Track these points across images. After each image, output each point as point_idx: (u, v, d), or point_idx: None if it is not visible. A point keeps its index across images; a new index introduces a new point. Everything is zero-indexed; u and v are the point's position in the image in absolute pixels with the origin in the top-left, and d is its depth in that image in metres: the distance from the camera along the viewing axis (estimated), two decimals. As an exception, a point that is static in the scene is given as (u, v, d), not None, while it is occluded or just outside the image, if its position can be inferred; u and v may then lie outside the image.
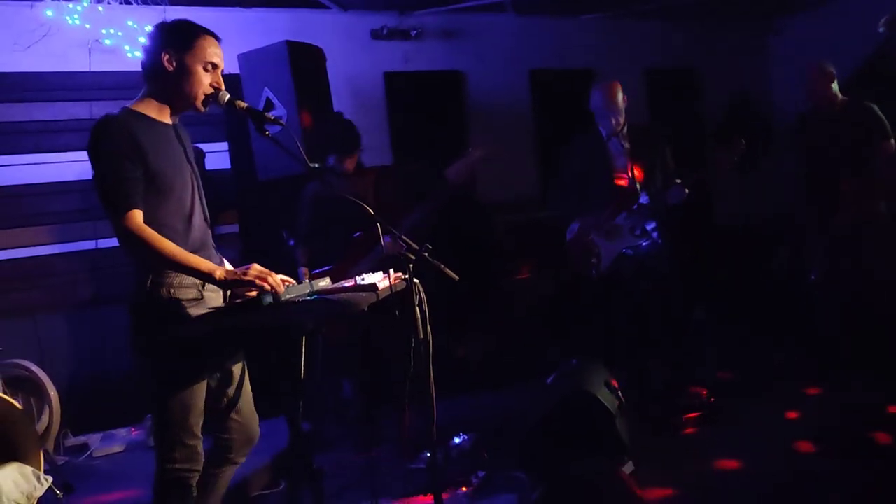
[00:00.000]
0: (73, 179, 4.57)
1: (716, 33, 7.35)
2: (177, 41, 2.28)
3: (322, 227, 4.13)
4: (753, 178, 7.27)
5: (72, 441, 4.30)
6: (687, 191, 3.97)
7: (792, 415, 3.83)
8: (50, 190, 4.59)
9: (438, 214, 3.95)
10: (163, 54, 2.27)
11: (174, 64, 2.27)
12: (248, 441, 2.53)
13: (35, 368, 4.10)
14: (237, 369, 2.50)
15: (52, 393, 4.09)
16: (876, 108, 4.26)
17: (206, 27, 2.34)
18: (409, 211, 3.89)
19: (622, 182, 4.17)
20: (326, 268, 3.99)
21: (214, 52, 2.31)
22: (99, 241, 4.62)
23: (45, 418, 4.05)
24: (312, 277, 3.17)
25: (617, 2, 6.30)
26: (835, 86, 4.36)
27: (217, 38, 2.35)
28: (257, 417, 2.57)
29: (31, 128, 4.57)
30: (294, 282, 2.30)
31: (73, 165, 4.52)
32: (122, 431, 4.45)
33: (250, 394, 2.56)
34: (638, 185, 4.11)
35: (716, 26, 7.31)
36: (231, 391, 2.46)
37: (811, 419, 3.74)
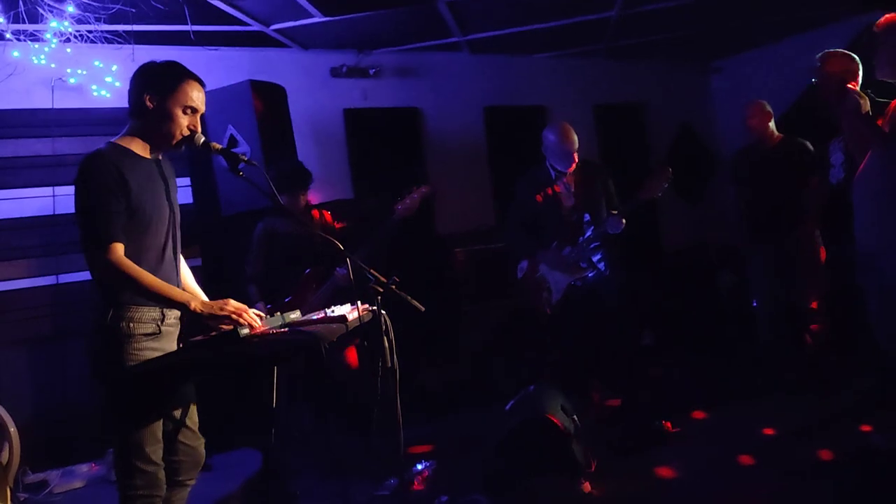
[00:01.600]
0: (34, 215, 4.58)
1: (661, 71, 7.70)
2: (160, 83, 2.39)
3: (275, 263, 4.26)
4: (698, 207, 7.65)
5: (31, 478, 4.25)
6: (624, 221, 4.15)
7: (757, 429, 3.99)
8: (11, 226, 4.58)
9: (390, 246, 4.12)
10: (145, 94, 2.37)
11: (154, 104, 2.38)
12: (196, 463, 2.59)
13: (-6, 404, 4.07)
14: (186, 394, 2.58)
15: (12, 429, 4.05)
16: (808, 143, 4.55)
17: (192, 71, 2.46)
18: (358, 243, 4.05)
19: (570, 218, 4.38)
20: (287, 299, 4.11)
21: (195, 97, 2.43)
22: (60, 276, 4.63)
23: (4, 455, 4.01)
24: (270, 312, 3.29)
25: (566, 42, 6.57)
26: (772, 123, 4.65)
27: (201, 83, 2.47)
28: (203, 440, 2.63)
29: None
30: (263, 315, 2.41)
31: (35, 201, 4.54)
32: (82, 467, 4.40)
33: (196, 418, 2.62)
34: (583, 219, 4.32)
35: (661, 64, 7.67)
36: (179, 415, 2.53)
37: (756, 437, 3.92)
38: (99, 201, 2.26)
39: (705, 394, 4.75)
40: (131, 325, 2.32)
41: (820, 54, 3.58)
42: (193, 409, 2.60)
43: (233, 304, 2.31)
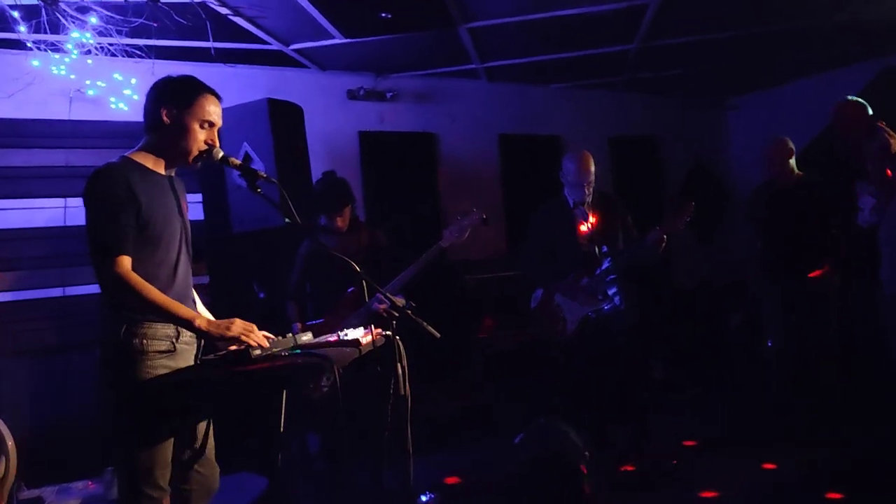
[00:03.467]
0: (42, 226, 4.53)
1: (677, 105, 7.71)
2: (177, 97, 2.36)
3: (315, 282, 4.18)
4: (711, 245, 7.58)
5: (26, 494, 4.15)
6: (665, 236, 3.99)
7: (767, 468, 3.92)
8: (19, 235, 4.53)
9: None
10: (162, 109, 2.34)
11: (171, 119, 2.34)
12: (208, 493, 2.53)
13: (-7, 417, 4.00)
14: (203, 421, 2.52)
15: (10, 443, 3.96)
16: (828, 182, 4.48)
17: (209, 85, 2.42)
18: (400, 266, 3.95)
19: (587, 248, 4.31)
20: (319, 321, 4.04)
21: (212, 111, 2.40)
22: (66, 288, 4.57)
23: (0, 468, 3.93)
24: (306, 330, 3.21)
25: (584, 73, 6.56)
26: (792, 161, 4.58)
27: (218, 97, 2.43)
28: (218, 469, 2.57)
29: (3, 173, 4.52)
30: (273, 336, 2.34)
31: (44, 212, 4.50)
32: (78, 484, 4.31)
33: (213, 445, 2.57)
34: (601, 251, 4.25)
35: (678, 99, 7.67)
36: (196, 443, 2.48)
37: (766, 478, 3.84)
38: (107, 213, 2.22)
39: (715, 430, 4.67)
40: (144, 341, 2.27)
41: (837, 102, 3.59)
42: (210, 436, 2.54)
43: (239, 324, 2.25)
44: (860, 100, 3.57)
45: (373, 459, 3.73)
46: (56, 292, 4.59)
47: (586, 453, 3.53)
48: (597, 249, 4.26)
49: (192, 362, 2.41)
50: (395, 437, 2.46)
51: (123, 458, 2.29)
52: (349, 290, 4.02)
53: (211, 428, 2.55)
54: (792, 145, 4.58)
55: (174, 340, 2.33)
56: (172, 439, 2.37)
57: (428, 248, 3.93)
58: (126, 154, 2.38)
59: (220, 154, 2.43)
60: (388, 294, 2.42)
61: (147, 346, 2.27)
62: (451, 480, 4.14)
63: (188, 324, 2.25)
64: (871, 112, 3.49)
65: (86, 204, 2.28)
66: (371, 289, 2.44)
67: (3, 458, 3.95)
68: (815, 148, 6.30)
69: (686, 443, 4.49)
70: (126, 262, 2.22)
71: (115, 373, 2.28)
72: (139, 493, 2.27)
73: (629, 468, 4.03)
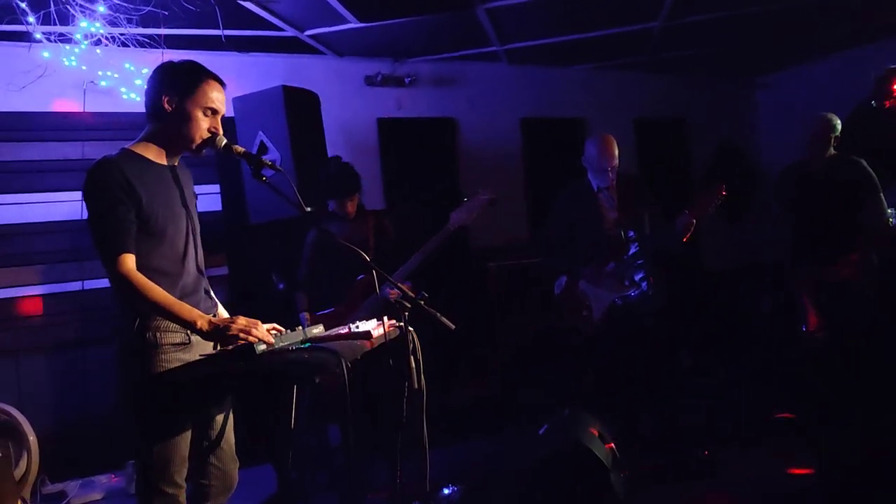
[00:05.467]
0: (61, 220, 4.52)
1: (704, 86, 7.50)
2: (178, 84, 2.28)
3: (324, 270, 4.11)
4: (740, 226, 7.39)
5: (49, 488, 4.19)
6: (695, 221, 3.83)
7: (794, 469, 3.76)
8: (37, 230, 4.52)
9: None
10: (163, 96, 2.27)
11: (173, 106, 2.28)
12: (227, 488, 2.49)
13: (14, 412, 4.00)
14: (221, 415, 2.47)
15: (32, 438, 3.99)
16: (864, 162, 4.29)
17: (212, 71, 2.35)
18: (408, 253, 3.86)
19: (612, 232, 4.18)
20: (329, 310, 3.96)
21: (216, 98, 2.32)
22: (85, 281, 4.56)
23: (22, 464, 3.93)
24: (315, 321, 3.14)
25: (607, 53, 6.40)
26: (833, 141, 4.37)
27: (221, 83, 2.35)
28: (237, 464, 2.53)
29: (20, 167, 4.52)
30: (282, 329, 2.27)
31: (62, 206, 4.48)
32: (101, 478, 4.35)
33: (233, 440, 2.53)
34: (627, 236, 4.11)
35: (704, 79, 7.47)
36: (213, 436, 2.44)
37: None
38: (105, 211, 2.17)
39: (745, 421, 4.50)
40: (158, 334, 2.23)
41: (881, 71, 3.33)
42: (230, 430, 2.50)
43: (240, 322, 2.17)
44: None
45: (391, 452, 3.67)
46: (75, 286, 4.59)
47: (612, 444, 3.43)
48: (623, 234, 4.12)
49: (210, 352, 2.35)
50: (412, 430, 2.39)
51: (140, 455, 2.25)
52: (359, 277, 3.95)
53: (230, 423, 2.50)
54: (837, 122, 4.34)
55: (189, 332, 2.27)
56: (188, 435, 2.32)
57: (435, 233, 3.83)
58: (126, 146, 2.32)
59: (224, 142, 2.35)
60: (399, 284, 2.33)
61: (160, 339, 2.23)
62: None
63: (190, 326, 2.19)
64: None
65: (85, 202, 2.23)
66: (381, 277, 2.35)
67: (26, 454, 3.97)
68: (847, 127, 6.08)
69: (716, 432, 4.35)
70: (129, 260, 2.16)
71: (128, 366, 2.25)
72: (154, 489, 2.24)
73: (656, 459, 3.91)
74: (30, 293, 4.51)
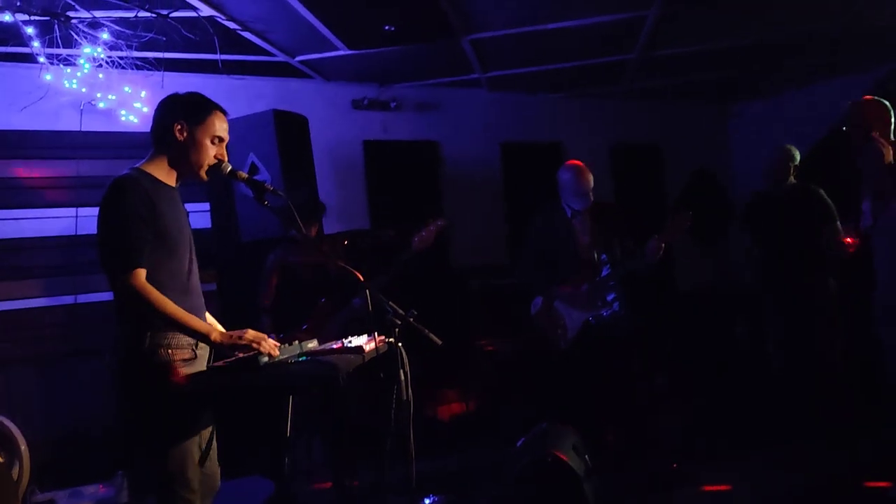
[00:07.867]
0: (56, 235, 4.63)
1: (679, 113, 7.76)
2: (190, 114, 2.45)
3: (289, 293, 4.28)
4: (713, 250, 7.64)
5: (39, 497, 4.23)
6: (663, 246, 4.05)
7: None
8: (32, 245, 4.63)
9: (404, 277, 4.16)
10: (175, 124, 2.43)
11: (185, 134, 2.44)
12: (212, 491, 2.60)
13: (6, 422, 4.09)
14: (208, 421, 2.59)
15: (23, 447, 4.06)
16: (822, 192, 4.53)
17: (216, 102, 2.53)
18: (373, 274, 4.06)
19: (586, 255, 4.39)
20: (298, 332, 4.10)
21: (222, 127, 2.50)
22: (78, 295, 4.67)
23: (14, 472, 4.01)
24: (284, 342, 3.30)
25: (585, 82, 6.64)
26: (793, 170, 4.61)
27: (225, 113, 2.53)
28: (219, 468, 2.64)
29: (16, 184, 4.63)
30: (282, 345, 2.43)
31: (58, 221, 4.61)
32: (90, 488, 4.38)
33: (216, 446, 2.62)
34: (600, 258, 4.33)
35: (679, 106, 7.74)
36: (204, 444, 2.53)
37: (771, 488, 3.86)
38: (125, 226, 2.28)
39: (715, 439, 4.69)
40: (170, 351, 2.33)
41: (853, 101, 3.55)
42: (213, 437, 2.61)
43: (251, 334, 2.33)
44: (879, 99, 3.49)
45: (376, 463, 3.81)
46: (68, 300, 4.70)
47: (587, 457, 3.60)
48: (596, 256, 4.33)
49: (205, 367, 2.48)
50: (398, 441, 2.53)
51: (156, 466, 2.34)
52: (321, 300, 4.15)
53: (213, 430, 2.61)
54: (796, 153, 4.62)
55: (194, 347, 2.41)
56: (197, 440, 2.44)
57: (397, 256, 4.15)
58: (137, 165, 2.46)
59: (229, 168, 2.52)
60: (391, 303, 2.50)
61: (172, 356, 2.33)
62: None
63: (205, 338, 2.33)
64: (890, 110, 3.43)
65: (103, 214, 2.33)
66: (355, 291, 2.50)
67: (17, 462, 4.04)
68: (815, 155, 6.36)
69: (686, 449, 4.53)
70: (142, 274, 2.28)
71: (139, 384, 2.33)
72: (176, 497, 2.33)
73: (629, 472, 4.09)
74: (24, 306, 4.61)
